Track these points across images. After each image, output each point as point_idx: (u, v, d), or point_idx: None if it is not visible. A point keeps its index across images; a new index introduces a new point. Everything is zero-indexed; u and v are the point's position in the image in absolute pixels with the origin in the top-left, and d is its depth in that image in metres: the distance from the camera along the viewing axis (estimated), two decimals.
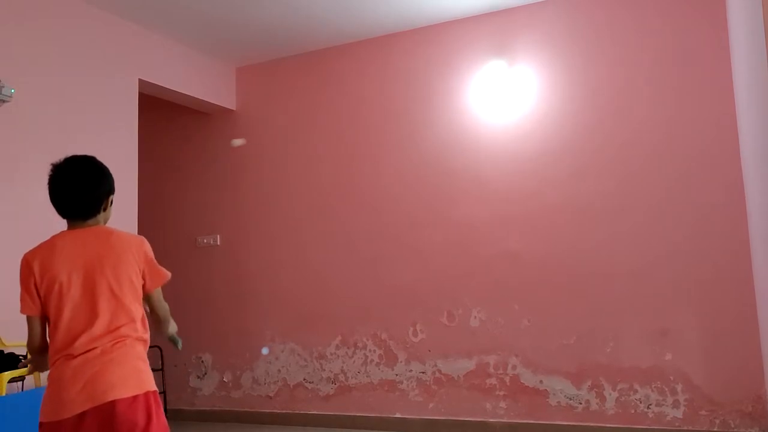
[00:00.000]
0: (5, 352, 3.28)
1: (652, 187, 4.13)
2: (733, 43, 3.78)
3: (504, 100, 4.55)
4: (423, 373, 4.63)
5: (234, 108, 5.53)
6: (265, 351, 5.14)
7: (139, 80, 4.57)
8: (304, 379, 5.02)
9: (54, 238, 2.07)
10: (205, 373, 5.38)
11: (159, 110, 5.51)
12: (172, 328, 2.29)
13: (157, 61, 4.77)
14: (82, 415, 1.83)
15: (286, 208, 5.23)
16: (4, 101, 3.57)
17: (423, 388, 4.62)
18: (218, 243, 5.44)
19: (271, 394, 5.12)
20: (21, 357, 3.32)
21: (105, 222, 2.12)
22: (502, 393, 4.39)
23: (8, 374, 3.17)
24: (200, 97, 5.15)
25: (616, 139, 4.24)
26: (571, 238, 4.30)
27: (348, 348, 4.89)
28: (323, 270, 5.05)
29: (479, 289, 4.52)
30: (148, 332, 2.08)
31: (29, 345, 2.08)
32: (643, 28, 4.24)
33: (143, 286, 2.06)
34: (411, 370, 4.67)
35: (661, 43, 4.18)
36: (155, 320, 2.16)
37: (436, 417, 4.55)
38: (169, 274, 2.13)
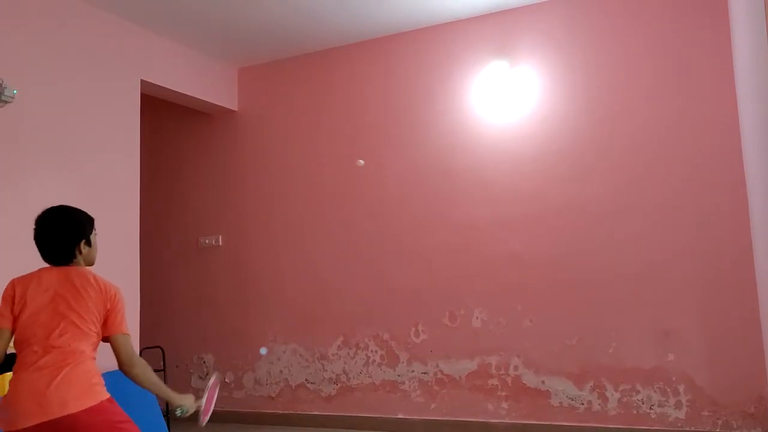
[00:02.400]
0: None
1: (654, 188, 4.12)
2: (736, 45, 3.78)
3: (506, 100, 4.55)
4: (425, 373, 4.63)
5: (236, 109, 5.53)
6: (263, 351, 5.14)
7: (142, 81, 4.57)
8: (306, 380, 5.02)
9: (40, 271, 2.34)
10: (207, 373, 5.38)
11: (161, 111, 5.52)
12: (163, 392, 2.44)
13: (160, 62, 4.78)
14: (36, 428, 2.03)
15: (288, 208, 5.24)
16: (6, 102, 3.57)
17: (425, 389, 4.62)
18: (220, 244, 5.45)
19: (273, 395, 5.12)
20: None
21: (88, 262, 2.42)
22: (504, 394, 4.39)
23: (9, 375, 3.17)
24: (202, 98, 5.16)
25: (619, 140, 4.23)
26: (573, 239, 4.29)
27: (350, 349, 4.89)
28: (325, 271, 5.05)
29: (481, 289, 4.51)
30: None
31: None
32: (645, 29, 4.23)
33: (104, 329, 2.30)
34: (413, 371, 4.67)
35: (663, 44, 4.17)
36: (119, 364, 2.33)
37: (438, 418, 4.55)
38: (128, 333, 2.36)
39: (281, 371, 5.10)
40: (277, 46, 5.14)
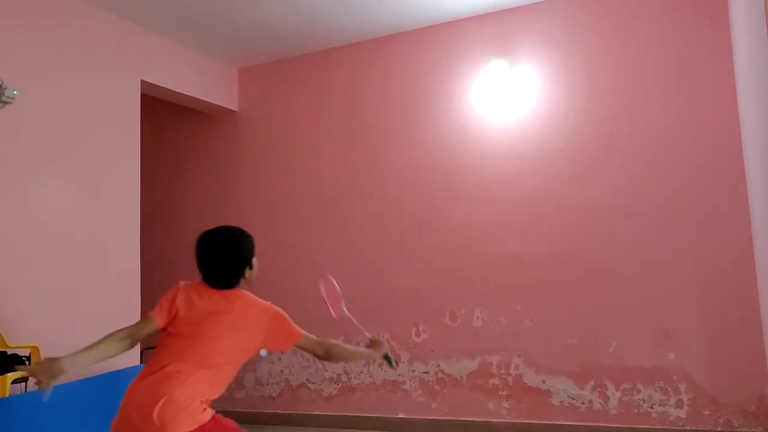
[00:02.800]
0: (8, 353, 3.29)
1: (655, 187, 4.12)
2: (736, 44, 3.78)
3: (506, 100, 4.55)
4: (426, 373, 4.63)
5: (236, 109, 5.53)
6: (263, 353, 5.13)
7: (142, 81, 4.57)
8: (307, 380, 5.02)
9: (204, 286, 2.34)
10: None
11: (161, 111, 5.52)
12: (364, 353, 2.66)
13: (160, 62, 4.78)
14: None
15: (288, 208, 5.23)
16: (6, 103, 3.57)
17: (426, 389, 4.62)
18: None
19: (274, 395, 5.12)
20: (24, 358, 3.33)
21: (249, 283, 2.40)
22: (504, 393, 4.39)
23: (11, 375, 3.18)
24: (202, 98, 5.16)
25: (619, 140, 4.23)
26: (573, 238, 4.29)
27: None
28: (325, 270, 5.02)
29: (482, 289, 4.51)
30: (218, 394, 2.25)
31: (125, 332, 2.26)
32: (645, 29, 4.23)
33: (277, 344, 2.34)
34: (414, 371, 4.67)
35: (663, 44, 4.17)
36: (319, 358, 2.47)
37: (439, 417, 4.55)
38: (300, 334, 2.38)
39: (282, 371, 5.10)
40: (277, 46, 5.13)
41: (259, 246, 5.52)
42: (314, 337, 2.39)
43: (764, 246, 3.39)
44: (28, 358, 3.34)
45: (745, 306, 3.84)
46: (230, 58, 5.34)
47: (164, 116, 5.65)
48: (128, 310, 4.27)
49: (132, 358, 4.26)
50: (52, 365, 2.07)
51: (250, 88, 5.52)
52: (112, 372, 3.89)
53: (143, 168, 4.59)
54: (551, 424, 4.24)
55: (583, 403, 4.18)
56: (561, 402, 4.24)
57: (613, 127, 4.25)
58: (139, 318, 4.32)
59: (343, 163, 5.07)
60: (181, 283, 2.33)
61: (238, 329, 2.23)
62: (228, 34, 4.86)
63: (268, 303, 2.36)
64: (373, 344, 2.64)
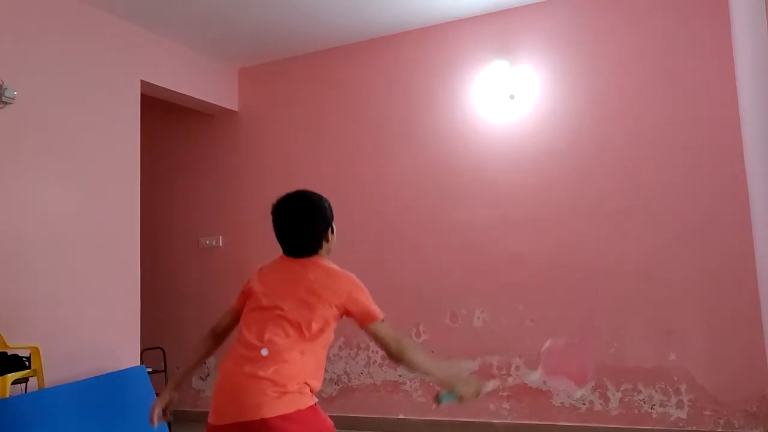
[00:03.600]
0: (8, 353, 3.29)
1: (654, 186, 4.12)
2: (736, 44, 3.77)
3: (506, 100, 4.54)
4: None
5: (236, 109, 5.53)
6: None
7: (142, 81, 4.57)
8: None
9: (281, 259, 2.25)
10: (208, 375, 5.37)
11: (161, 111, 5.52)
12: (437, 373, 2.21)
13: (160, 63, 4.78)
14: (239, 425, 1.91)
15: None
16: (6, 103, 3.57)
17: (426, 389, 4.62)
18: (221, 244, 5.44)
19: None
20: (24, 358, 3.32)
21: (329, 250, 2.27)
22: (505, 394, 4.39)
23: (11, 376, 3.17)
24: (202, 98, 5.15)
25: (619, 139, 4.23)
26: (574, 238, 4.29)
27: (351, 349, 4.89)
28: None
29: (482, 289, 4.51)
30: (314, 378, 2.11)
31: (212, 327, 2.28)
32: (645, 29, 4.23)
33: (358, 320, 2.17)
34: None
35: (663, 42, 4.17)
36: (388, 356, 2.16)
37: (440, 418, 4.54)
38: (378, 316, 2.19)
39: None
40: (277, 47, 5.13)
41: (259, 246, 5.53)
42: (392, 329, 2.16)
43: (765, 245, 3.39)
44: (28, 358, 3.34)
45: (745, 306, 3.84)
46: (230, 58, 5.34)
47: (164, 116, 5.64)
48: (128, 311, 4.27)
49: (132, 358, 4.26)
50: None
51: (250, 88, 5.52)
52: (112, 372, 3.89)
53: (143, 168, 4.59)
54: (552, 424, 4.23)
55: (584, 404, 4.18)
56: (561, 402, 4.24)
57: (613, 127, 4.25)
58: (138, 317, 4.34)
59: (343, 163, 5.07)
60: (260, 266, 2.25)
61: (316, 296, 2.09)
62: (228, 34, 4.86)
63: (351, 274, 2.22)
64: (459, 380, 2.24)
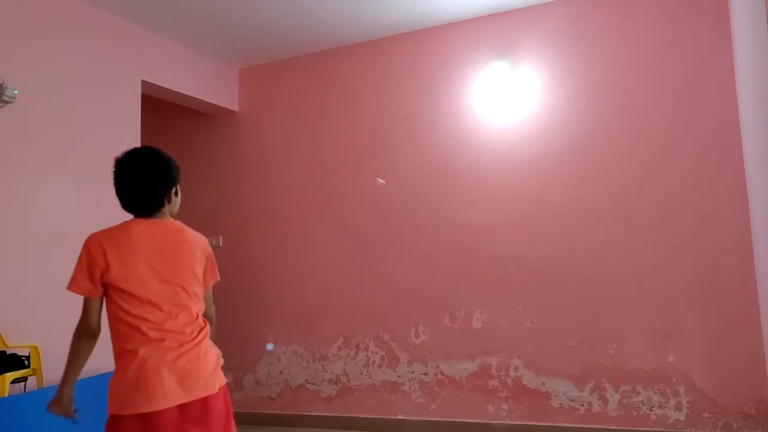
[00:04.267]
0: (8, 353, 3.29)
1: (655, 188, 4.12)
2: (737, 46, 3.78)
3: (507, 101, 4.55)
4: (425, 374, 4.63)
5: (237, 109, 5.53)
6: (270, 347, 5.13)
7: (142, 81, 4.57)
8: (306, 381, 5.02)
9: (128, 226, 2.05)
10: None
11: (162, 111, 5.52)
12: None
13: (160, 63, 4.78)
14: (180, 408, 1.90)
15: (288, 209, 5.23)
16: (7, 102, 3.57)
17: (425, 390, 4.62)
18: (221, 244, 5.44)
19: (273, 396, 5.12)
20: (24, 358, 3.33)
21: (172, 213, 2.17)
22: (504, 395, 4.39)
23: (11, 375, 3.18)
24: (203, 99, 5.16)
25: (619, 141, 4.23)
26: (574, 239, 4.29)
27: (350, 349, 4.89)
28: (325, 271, 5.05)
29: (482, 290, 4.51)
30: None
31: (83, 327, 2.04)
32: (645, 30, 4.23)
33: (205, 282, 2.17)
34: (413, 372, 4.67)
35: (663, 45, 4.17)
36: (206, 316, 2.21)
37: (438, 419, 4.55)
38: (218, 277, 2.24)
39: (281, 372, 5.10)
40: (277, 47, 5.14)
41: (259, 246, 5.52)
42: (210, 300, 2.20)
43: (764, 248, 3.39)
44: (27, 357, 3.34)
45: (745, 308, 3.84)
46: (231, 58, 5.34)
47: (165, 116, 5.65)
48: None
49: None
50: (62, 402, 2.04)
51: (250, 88, 5.52)
52: (113, 372, 3.88)
53: None
54: (551, 425, 4.24)
55: (583, 405, 4.18)
56: (560, 404, 4.24)
57: (613, 128, 4.26)
58: None
59: (343, 163, 5.07)
60: (98, 237, 2.00)
61: (191, 258, 2.08)
62: (229, 35, 4.86)
63: (200, 235, 2.20)
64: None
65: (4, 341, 3.33)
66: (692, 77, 4.08)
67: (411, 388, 4.67)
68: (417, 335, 4.69)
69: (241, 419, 5.15)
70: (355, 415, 4.79)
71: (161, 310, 1.98)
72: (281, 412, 5.06)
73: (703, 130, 4.03)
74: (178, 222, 2.15)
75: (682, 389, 3.96)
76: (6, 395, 3.11)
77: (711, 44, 4.05)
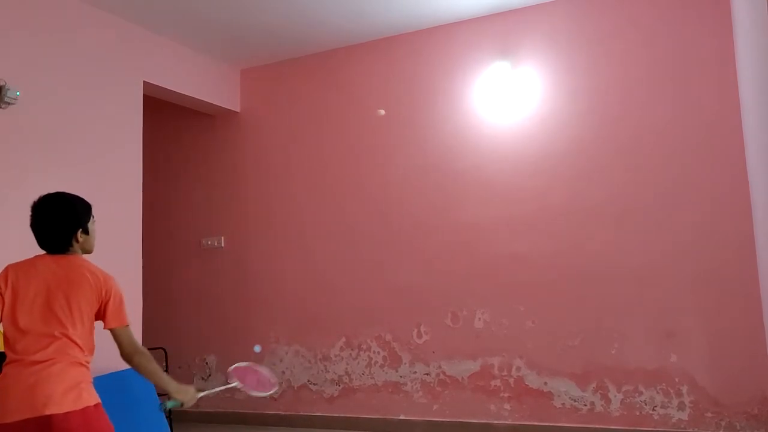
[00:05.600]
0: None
1: (656, 188, 4.11)
2: (738, 45, 3.77)
3: (508, 101, 4.54)
4: (427, 374, 4.62)
5: (238, 110, 5.54)
6: (257, 349, 5.13)
7: (144, 82, 4.58)
8: (309, 381, 5.02)
9: (35, 258, 2.28)
10: (210, 375, 5.38)
11: (163, 112, 5.53)
12: (164, 383, 2.37)
13: (162, 64, 4.79)
14: (22, 423, 1.98)
15: (290, 210, 5.24)
16: (9, 104, 3.58)
17: (427, 390, 4.62)
18: (222, 245, 5.45)
19: (276, 396, 5.11)
20: None
21: (85, 250, 2.36)
22: (506, 395, 4.38)
23: None
24: (204, 99, 5.16)
25: (620, 141, 4.23)
26: (575, 239, 4.29)
27: (352, 350, 4.89)
28: (327, 272, 5.05)
29: (483, 290, 4.51)
30: (90, 356, 2.24)
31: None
32: (646, 31, 4.23)
33: (106, 319, 2.26)
34: (415, 372, 4.67)
35: (664, 44, 4.16)
36: (122, 354, 2.31)
37: (440, 419, 4.54)
38: (126, 323, 2.32)
39: (284, 372, 5.10)
40: (278, 48, 5.14)
41: (261, 246, 5.51)
42: (134, 337, 2.34)
43: (766, 248, 3.39)
44: None
45: (747, 308, 3.83)
46: (232, 59, 5.35)
47: (166, 117, 5.66)
48: (130, 311, 4.26)
49: None
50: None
51: (252, 89, 5.53)
52: (114, 372, 3.89)
53: (145, 169, 4.60)
54: (553, 425, 4.23)
55: (585, 405, 4.18)
56: (563, 404, 4.23)
57: (615, 128, 4.25)
58: (140, 318, 4.34)
59: (345, 164, 5.07)
60: (9, 266, 2.27)
61: (77, 290, 2.19)
62: (230, 36, 4.87)
63: (107, 275, 2.32)
64: (183, 389, 2.41)
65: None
66: (693, 77, 4.08)
67: (413, 388, 4.66)
68: (419, 335, 4.68)
69: (244, 419, 5.17)
70: (357, 416, 4.79)
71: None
72: (283, 413, 5.06)
73: (705, 130, 4.02)
74: (80, 260, 2.30)
75: (684, 389, 3.96)
76: None
77: (712, 44, 4.04)
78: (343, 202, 5.06)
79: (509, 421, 4.35)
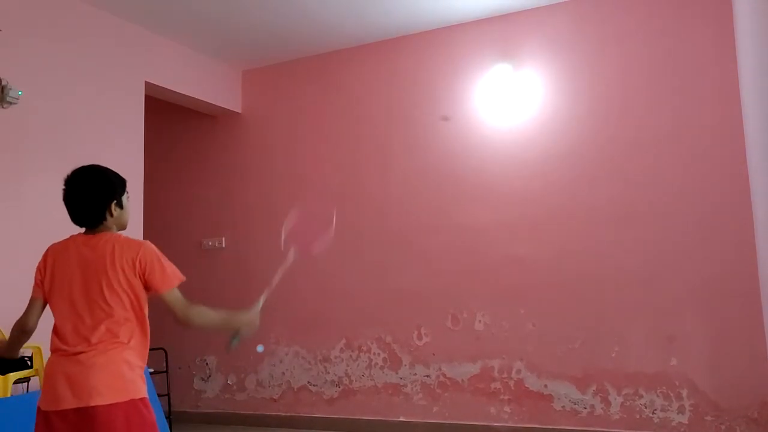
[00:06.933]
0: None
1: (657, 191, 4.11)
2: (740, 48, 3.77)
3: (509, 104, 4.55)
4: (427, 376, 4.62)
5: (240, 111, 5.54)
6: (260, 348, 5.13)
7: (146, 83, 4.59)
8: (309, 382, 5.02)
9: (71, 237, 2.22)
10: (210, 376, 5.38)
11: (165, 113, 5.53)
12: (230, 323, 2.46)
13: (164, 64, 4.79)
14: (66, 412, 1.93)
15: (291, 210, 5.22)
16: (11, 104, 3.59)
17: (427, 392, 4.61)
18: (223, 246, 5.45)
19: (276, 397, 5.12)
20: (27, 358, 3.33)
21: (120, 225, 2.29)
22: (506, 397, 4.38)
23: (14, 375, 3.18)
24: (206, 100, 5.17)
25: (622, 143, 4.23)
26: (576, 242, 4.28)
27: (352, 351, 4.89)
28: (328, 273, 5.05)
29: (484, 292, 4.51)
30: (143, 338, 2.19)
31: (17, 322, 2.22)
32: (648, 33, 4.23)
33: (154, 289, 2.19)
34: (415, 374, 4.66)
35: (666, 47, 4.17)
36: (175, 320, 2.25)
37: (440, 421, 4.54)
38: (180, 277, 2.27)
39: (283, 373, 5.10)
40: (280, 49, 5.15)
41: (261, 247, 5.52)
42: (181, 298, 2.26)
43: (767, 252, 3.38)
44: (30, 358, 3.35)
45: (747, 311, 3.82)
46: (234, 60, 5.36)
47: (168, 118, 5.66)
48: None
49: None
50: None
51: (253, 90, 5.53)
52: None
53: (146, 170, 4.60)
54: (553, 428, 4.23)
55: (585, 408, 4.17)
56: (563, 407, 4.23)
57: (616, 131, 4.25)
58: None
59: (346, 165, 5.07)
60: (50, 247, 2.24)
61: (108, 271, 2.11)
62: (232, 37, 4.88)
63: (139, 242, 2.25)
64: (241, 321, 2.48)
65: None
66: (695, 79, 4.08)
67: (413, 390, 4.66)
68: (419, 337, 4.68)
69: (243, 420, 5.17)
70: (357, 417, 4.79)
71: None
72: (283, 414, 5.06)
73: (706, 132, 4.02)
74: (111, 237, 2.22)
75: (684, 392, 3.95)
76: (9, 395, 3.12)
77: (714, 47, 4.04)
78: (345, 204, 5.05)
79: (509, 424, 4.35)
